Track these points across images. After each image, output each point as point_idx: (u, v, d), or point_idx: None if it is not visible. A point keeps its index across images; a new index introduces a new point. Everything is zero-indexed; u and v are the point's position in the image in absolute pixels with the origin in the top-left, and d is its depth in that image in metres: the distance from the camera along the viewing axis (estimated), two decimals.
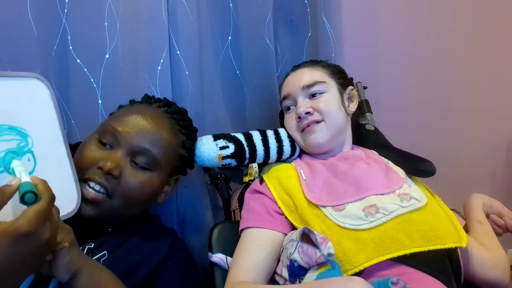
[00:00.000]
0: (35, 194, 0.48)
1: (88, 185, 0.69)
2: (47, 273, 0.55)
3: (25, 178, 0.51)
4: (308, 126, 0.88)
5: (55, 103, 0.63)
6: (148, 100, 0.85)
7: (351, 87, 0.98)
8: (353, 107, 0.96)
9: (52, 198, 0.50)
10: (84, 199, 0.67)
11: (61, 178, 0.62)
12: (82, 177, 0.69)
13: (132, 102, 0.86)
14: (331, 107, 0.89)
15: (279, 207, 0.81)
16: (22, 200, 0.47)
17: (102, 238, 0.71)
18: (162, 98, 0.86)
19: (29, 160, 0.57)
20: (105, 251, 0.69)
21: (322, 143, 0.88)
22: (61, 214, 0.55)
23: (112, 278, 0.62)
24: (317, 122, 0.88)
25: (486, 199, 0.94)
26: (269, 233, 0.78)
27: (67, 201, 0.62)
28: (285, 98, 0.96)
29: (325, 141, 0.88)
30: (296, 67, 0.99)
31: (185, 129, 0.83)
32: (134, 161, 0.72)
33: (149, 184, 0.74)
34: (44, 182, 0.51)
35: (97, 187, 0.69)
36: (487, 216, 0.92)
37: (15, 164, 0.54)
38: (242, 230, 0.81)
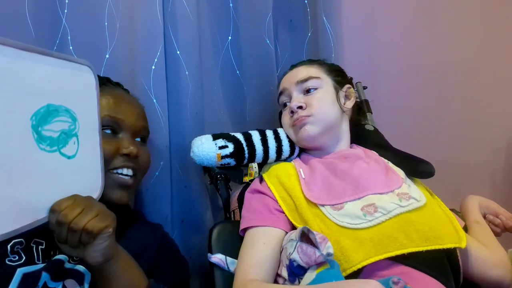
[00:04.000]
0: None
1: (121, 173, 0.74)
2: (79, 255, 0.57)
3: None
4: (298, 120, 0.88)
5: (97, 93, 0.65)
6: (108, 82, 0.83)
7: (348, 85, 0.97)
8: (349, 104, 0.96)
9: None
10: (121, 187, 0.73)
11: (93, 165, 0.64)
12: (109, 168, 0.72)
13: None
14: (323, 103, 0.89)
15: (279, 206, 0.81)
16: None
17: None
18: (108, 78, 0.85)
19: (74, 143, 0.59)
20: None
21: (312, 135, 0.87)
22: None
23: (136, 264, 0.66)
24: (306, 116, 0.88)
25: (482, 200, 0.94)
26: (274, 230, 0.78)
27: (94, 187, 0.64)
28: (281, 93, 0.96)
29: (316, 133, 0.87)
30: (293, 66, 0.99)
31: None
32: (139, 138, 0.80)
33: (150, 154, 0.83)
34: None
35: (129, 172, 0.75)
36: (484, 216, 0.92)
37: None
38: (245, 229, 0.81)
